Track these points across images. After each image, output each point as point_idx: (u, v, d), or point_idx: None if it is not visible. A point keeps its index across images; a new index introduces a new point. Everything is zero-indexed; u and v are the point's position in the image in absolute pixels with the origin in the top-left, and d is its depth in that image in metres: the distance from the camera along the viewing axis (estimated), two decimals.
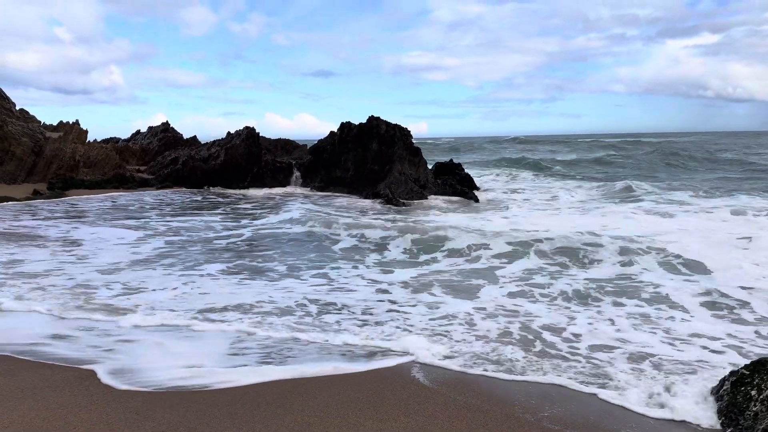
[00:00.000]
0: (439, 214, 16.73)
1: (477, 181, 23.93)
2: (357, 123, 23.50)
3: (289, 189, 24.25)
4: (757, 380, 4.32)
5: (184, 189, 24.44)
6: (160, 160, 28.09)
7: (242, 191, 23.78)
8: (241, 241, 12.74)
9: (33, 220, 15.45)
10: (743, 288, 8.29)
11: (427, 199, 20.26)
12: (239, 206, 18.99)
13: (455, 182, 22.45)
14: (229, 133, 26.83)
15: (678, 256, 10.08)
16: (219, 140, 27.28)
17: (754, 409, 4.20)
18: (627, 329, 6.66)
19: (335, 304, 7.84)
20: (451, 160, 26.04)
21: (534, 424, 4.46)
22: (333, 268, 9.92)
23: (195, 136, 32.78)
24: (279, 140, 32.83)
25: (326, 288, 8.69)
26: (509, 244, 11.33)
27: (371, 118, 22.97)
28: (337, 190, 22.93)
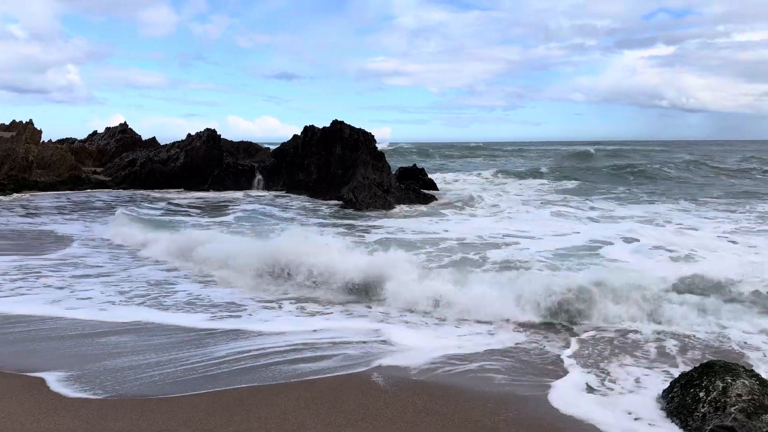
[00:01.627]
0: (392, 218, 16.77)
1: (457, 185, 24.17)
2: (321, 126, 23.44)
3: (251, 192, 23.96)
4: (705, 382, 4.46)
5: (140, 191, 23.89)
6: (117, 162, 27.43)
7: (202, 194, 23.39)
8: None
9: None
10: None
11: (389, 203, 20.29)
12: (177, 206, 18.67)
13: (418, 187, 22.58)
14: (189, 134, 26.42)
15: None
16: (179, 142, 26.82)
17: (703, 410, 4.33)
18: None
19: None
20: (414, 165, 26.20)
21: (491, 427, 4.50)
22: None
23: (154, 138, 32.14)
24: (241, 143, 32.44)
25: None
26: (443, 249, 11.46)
27: (335, 122, 22.94)
28: (301, 194, 22.78)
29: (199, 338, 6.54)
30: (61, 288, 8.59)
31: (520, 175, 30.90)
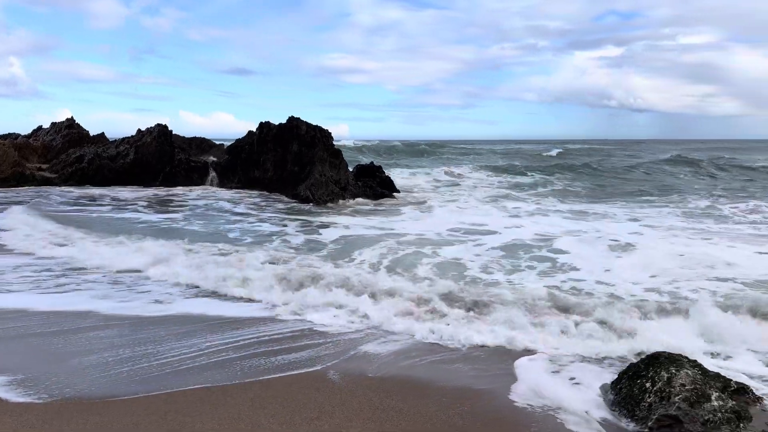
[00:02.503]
0: (349, 215, 16.75)
1: (414, 182, 24.24)
2: (277, 123, 23.17)
3: (204, 189, 23.51)
4: (651, 373, 4.61)
5: (88, 188, 23.13)
6: (63, 158, 26.46)
7: (153, 190, 22.80)
8: None
9: None
10: None
11: (346, 200, 20.25)
12: (125, 201, 18.21)
13: (375, 184, 22.57)
14: (139, 130, 25.72)
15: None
16: (129, 138, 26.07)
17: (649, 400, 4.48)
18: None
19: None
20: (372, 162, 26.18)
21: (446, 421, 4.54)
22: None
23: (103, 133, 31.17)
24: (194, 139, 31.78)
25: None
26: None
27: (291, 119, 22.71)
28: (256, 191, 22.49)
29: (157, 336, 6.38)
30: None
31: (480, 171, 31.27)
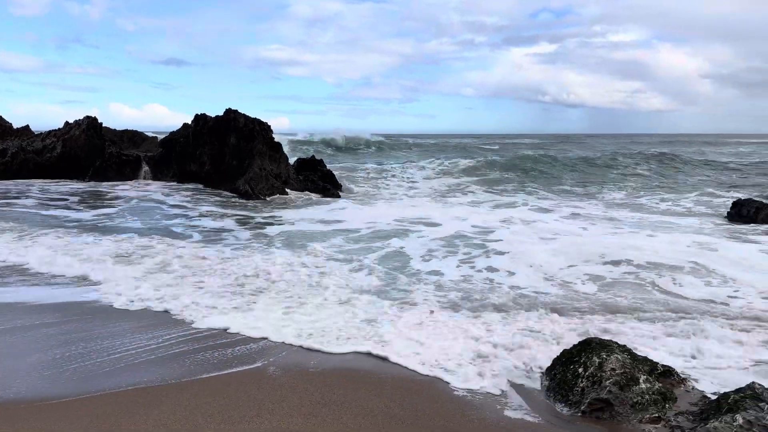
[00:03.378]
0: (291, 209, 16.59)
1: (357, 176, 24.08)
2: (213, 115, 22.61)
3: (137, 183, 22.70)
4: (583, 359, 4.77)
5: (12, 182, 21.90)
6: None
7: (83, 185, 21.82)
8: None
9: None
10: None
11: (287, 194, 20.00)
12: (55, 194, 17.40)
13: (317, 178, 22.38)
14: (67, 123, 24.55)
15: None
16: (56, 130, 24.83)
17: (582, 385, 4.64)
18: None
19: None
20: (313, 156, 25.94)
21: (387, 412, 4.56)
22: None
23: (27, 126, 29.51)
24: (126, 131, 30.61)
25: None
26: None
27: (228, 111, 22.20)
28: (193, 185, 21.89)
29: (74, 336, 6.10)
30: None
31: (425, 167, 31.49)
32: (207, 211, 15.70)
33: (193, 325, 6.59)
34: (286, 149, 23.71)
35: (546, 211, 16.81)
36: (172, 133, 24.16)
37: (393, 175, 28.36)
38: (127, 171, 23.67)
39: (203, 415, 4.50)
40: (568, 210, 17.08)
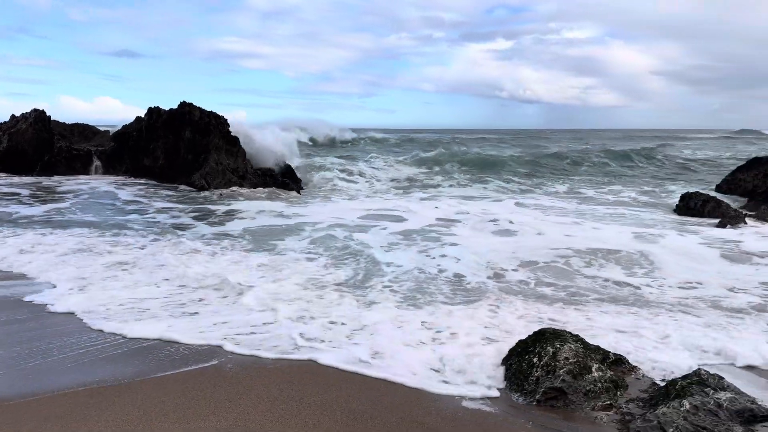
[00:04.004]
0: (249, 205, 16.39)
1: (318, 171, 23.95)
2: (168, 108, 22.10)
3: (88, 178, 22.01)
4: (538, 349, 4.88)
5: None
6: None
7: (30, 179, 21.03)
8: None
9: None
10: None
11: (245, 190, 19.73)
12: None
13: (276, 173, 22.13)
14: (13, 116, 23.59)
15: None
16: (1, 124, 23.86)
17: (536, 374, 4.74)
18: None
19: None
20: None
21: (345, 407, 4.56)
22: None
23: None
24: (76, 125, 29.61)
25: None
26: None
27: (183, 104, 21.74)
28: (146, 180, 21.36)
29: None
30: None
31: (388, 161, 31.49)
32: (161, 207, 15.35)
33: (146, 324, 6.43)
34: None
35: (502, 203, 17.11)
36: (124, 127, 23.52)
37: (356, 170, 28.28)
38: (77, 166, 22.94)
39: (158, 414, 4.40)
40: (527, 202, 17.41)
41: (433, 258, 9.78)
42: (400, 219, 13.83)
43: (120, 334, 6.07)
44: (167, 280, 8.17)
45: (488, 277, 8.58)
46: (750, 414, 4.19)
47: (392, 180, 24.47)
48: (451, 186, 22.83)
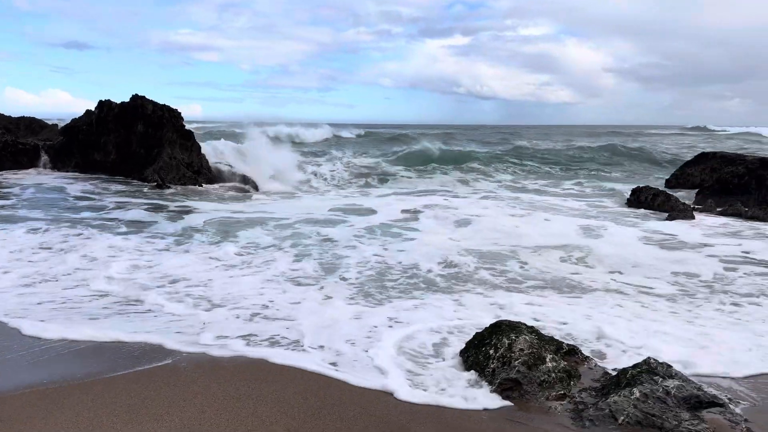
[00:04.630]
0: (206, 200, 16.13)
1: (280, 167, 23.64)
2: (119, 102, 21.48)
3: (36, 173, 21.21)
4: (494, 340, 4.94)
5: None
6: None
7: None
8: None
9: None
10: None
11: (201, 184, 19.37)
12: None
13: (235, 169, 21.76)
14: None
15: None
16: None
17: (492, 366, 4.80)
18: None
19: None
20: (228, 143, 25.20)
21: (303, 403, 4.52)
22: None
23: None
24: (22, 118, 28.53)
25: None
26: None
27: (135, 97, 21.16)
28: (98, 175, 20.71)
29: None
30: None
31: (345, 157, 31.36)
32: (112, 202, 14.91)
33: (95, 322, 6.25)
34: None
35: (463, 197, 17.30)
36: (74, 120, 22.74)
37: (316, 166, 28.08)
38: (23, 160, 22.06)
39: (109, 415, 4.28)
40: (483, 195, 17.66)
41: (392, 252, 9.81)
42: (364, 213, 13.82)
43: (65, 338, 5.87)
44: (112, 279, 7.94)
45: (444, 269, 8.66)
46: (696, 400, 4.34)
47: (356, 176, 24.35)
48: (418, 180, 22.99)
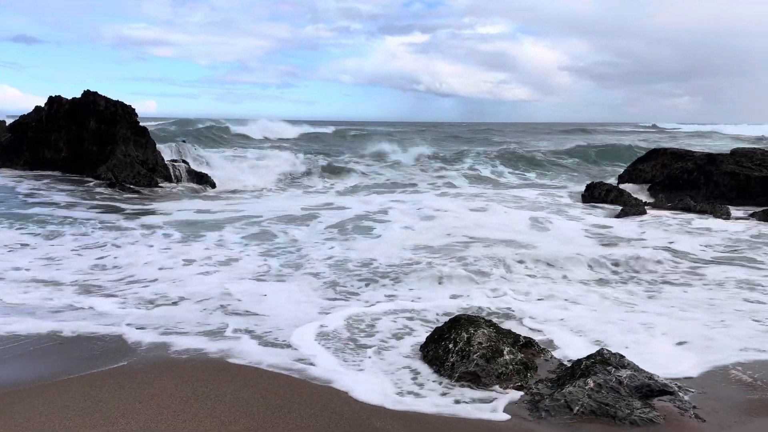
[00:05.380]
0: (164, 200, 15.82)
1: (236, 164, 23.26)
2: (71, 97, 20.84)
3: None
4: (453, 335, 5.00)
5: None
6: None
7: None
8: None
9: None
10: None
11: (156, 182, 18.96)
12: None
13: (191, 167, 21.38)
14: None
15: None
16: None
17: (452, 359, 4.86)
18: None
19: None
20: (184, 141, 24.77)
21: (263, 403, 4.49)
22: None
23: None
24: None
25: None
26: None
27: (87, 93, 20.57)
28: (49, 173, 20.04)
29: None
30: None
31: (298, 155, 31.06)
32: (66, 202, 14.47)
33: (44, 323, 6.06)
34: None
35: (423, 193, 17.46)
36: (22, 117, 21.96)
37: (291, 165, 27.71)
38: None
39: (62, 419, 4.16)
40: (445, 192, 17.86)
41: (353, 249, 9.82)
42: (331, 209, 13.77)
43: (13, 332, 5.69)
44: (65, 277, 7.73)
45: (406, 264, 8.72)
46: (647, 389, 4.48)
47: (299, 173, 24.04)
48: (388, 181, 23.03)
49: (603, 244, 10.65)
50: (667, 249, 10.05)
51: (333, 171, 24.50)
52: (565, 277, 8.43)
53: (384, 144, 34.96)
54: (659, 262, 9.16)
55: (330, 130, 45.89)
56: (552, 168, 27.34)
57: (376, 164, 26.91)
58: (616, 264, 8.98)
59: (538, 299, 7.30)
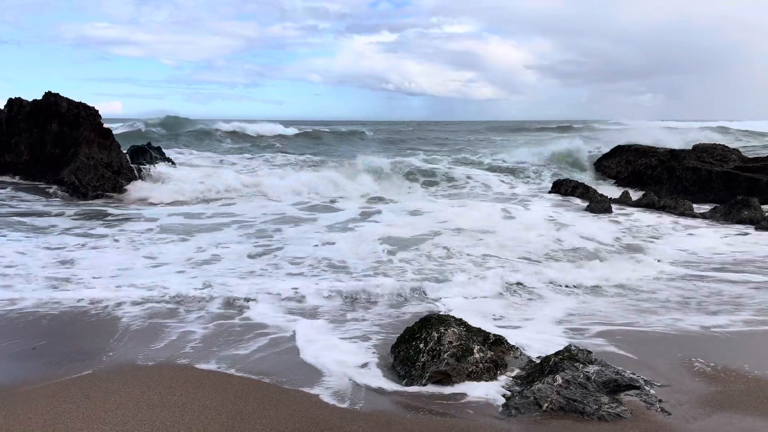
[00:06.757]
0: (132, 204, 15.53)
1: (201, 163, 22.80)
2: (31, 100, 20.28)
3: None
4: (424, 334, 5.00)
5: None
6: None
7: None
8: None
9: None
10: None
11: (121, 185, 18.56)
12: None
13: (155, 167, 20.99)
14: None
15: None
16: None
17: (423, 359, 4.86)
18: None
19: None
20: (149, 143, 24.34)
21: (233, 408, 4.43)
22: None
23: None
24: None
25: None
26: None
27: (48, 95, 20.05)
28: (9, 178, 19.46)
29: None
30: None
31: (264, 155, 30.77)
32: (30, 209, 14.09)
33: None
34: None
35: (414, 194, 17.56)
36: None
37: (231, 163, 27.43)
38: None
39: (22, 431, 4.04)
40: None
41: (327, 249, 9.79)
42: (250, 214, 13.68)
43: None
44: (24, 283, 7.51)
45: (377, 263, 8.72)
46: (615, 384, 4.55)
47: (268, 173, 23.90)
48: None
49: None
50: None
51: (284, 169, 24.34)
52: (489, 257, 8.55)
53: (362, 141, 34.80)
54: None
55: (292, 131, 45.10)
56: (521, 165, 27.51)
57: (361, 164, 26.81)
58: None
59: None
